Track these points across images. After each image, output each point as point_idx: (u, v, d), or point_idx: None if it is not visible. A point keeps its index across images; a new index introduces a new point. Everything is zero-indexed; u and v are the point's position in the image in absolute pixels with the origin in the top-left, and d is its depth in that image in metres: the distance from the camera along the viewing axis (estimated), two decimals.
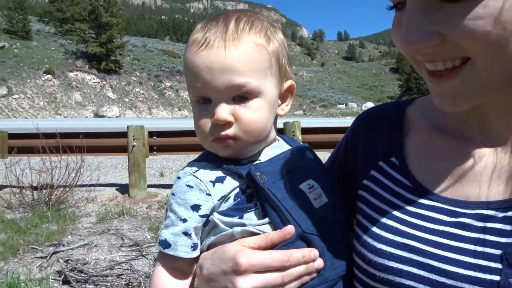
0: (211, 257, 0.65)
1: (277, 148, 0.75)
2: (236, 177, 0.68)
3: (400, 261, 0.58)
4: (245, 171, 0.67)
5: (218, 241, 0.66)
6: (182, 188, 0.68)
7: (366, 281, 0.62)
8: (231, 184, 0.67)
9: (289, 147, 0.77)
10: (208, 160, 0.71)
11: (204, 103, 0.68)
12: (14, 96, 47.18)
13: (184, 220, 0.67)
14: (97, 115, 46.24)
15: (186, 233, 0.67)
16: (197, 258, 0.68)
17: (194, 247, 0.68)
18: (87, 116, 45.38)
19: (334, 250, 0.67)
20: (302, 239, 0.65)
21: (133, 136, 5.66)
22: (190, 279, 0.70)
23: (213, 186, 0.67)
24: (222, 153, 0.70)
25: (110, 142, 5.97)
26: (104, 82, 56.16)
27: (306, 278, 0.64)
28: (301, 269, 0.63)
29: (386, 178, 0.67)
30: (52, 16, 66.96)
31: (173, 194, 0.69)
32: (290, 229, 0.63)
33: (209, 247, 0.68)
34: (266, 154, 0.73)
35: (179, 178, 0.69)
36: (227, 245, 0.64)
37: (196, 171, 0.69)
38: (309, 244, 0.65)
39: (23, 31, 58.62)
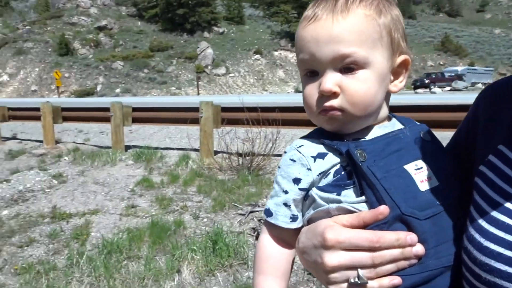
0: (306, 231, 0.66)
1: (386, 127, 0.72)
2: (337, 153, 0.67)
3: (510, 264, 0.51)
4: (345, 148, 0.66)
5: (316, 216, 0.67)
6: (286, 161, 0.71)
7: (471, 280, 0.57)
8: (331, 160, 0.67)
9: (401, 127, 0.72)
10: (314, 136, 0.71)
11: (311, 76, 0.69)
12: (230, 75, 54.32)
13: (286, 192, 0.70)
14: (297, 90, 49.08)
15: (286, 204, 0.70)
16: (299, 230, 0.70)
17: (293, 218, 0.71)
18: (288, 92, 48.66)
19: (439, 238, 0.62)
20: (402, 222, 0.62)
21: None
22: (292, 250, 0.72)
23: (314, 161, 0.68)
24: (327, 127, 0.70)
25: (304, 116, 6.32)
26: None
27: (403, 263, 0.60)
28: (395, 252, 0.59)
29: (505, 165, 0.58)
30: (261, 0, 73.46)
31: (279, 167, 0.72)
32: (383, 209, 0.60)
33: (309, 222, 0.69)
34: (374, 133, 0.70)
35: (285, 152, 0.72)
36: (321, 221, 0.64)
37: (300, 146, 0.70)
38: (409, 228, 0.62)
39: (238, 16, 66.45)
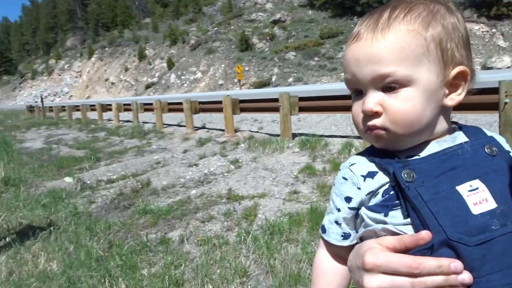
0: (353, 251, 0.66)
1: (445, 142, 0.67)
2: (387, 173, 0.65)
3: None
4: (392, 168, 0.64)
5: (365, 235, 0.67)
6: (339, 179, 0.71)
7: None
8: (380, 179, 0.66)
9: (464, 141, 0.67)
10: (367, 153, 0.70)
11: (357, 94, 0.69)
12: None
13: (338, 210, 0.71)
14: (484, 67, 42.80)
15: (337, 222, 0.72)
16: (353, 246, 0.68)
17: (345, 236, 0.72)
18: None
19: (493, 266, 0.57)
20: (450, 247, 0.58)
21: (506, 92, 5.06)
22: (345, 266, 0.72)
23: (364, 180, 0.67)
24: (376, 144, 0.69)
25: (480, 99, 5.58)
26: (494, 30, 50.81)
27: None
28: (438, 279, 0.56)
29: None
30: None
31: (334, 184, 0.73)
32: (424, 234, 0.56)
33: (361, 239, 0.69)
34: (430, 149, 0.66)
35: (339, 169, 0.72)
36: (366, 241, 0.63)
37: (352, 165, 0.70)
38: (457, 254, 0.57)
39: None
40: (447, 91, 0.67)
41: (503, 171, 0.63)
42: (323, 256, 0.77)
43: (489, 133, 0.70)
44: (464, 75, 0.66)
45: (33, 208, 5.17)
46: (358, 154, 0.72)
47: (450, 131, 0.70)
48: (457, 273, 0.56)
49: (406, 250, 0.58)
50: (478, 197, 0.60)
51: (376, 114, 0.66)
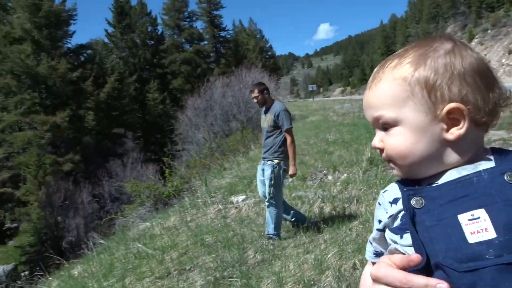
0: None
1: (465, 169, 0.70)
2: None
3: None
4: (403, 195, 0.71)
5: (389, 253, 0.74)
6: (377, 204, 0.81)
7: None
8: (400, 205, 0.72)
9: (488, 167, 0.69)
10: (400, 181, 0.77)
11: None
12: None
13: (372, 231, 0.81)
14: None
15: (370, 242, 0.83)
16: None
17: (377, 254, 0.81)
18: None
19: None
20: (443, 271, 0.62)
21: None
22: None
23: (391, 206, 0.75)
24: (393, 173, 0.78)
25: None
26: None
27: None
28: None
29: None
30: None
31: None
32: (414, 257, 0.64)
33: None
34: (448, 176, 0.70)
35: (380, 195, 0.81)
36: (382, 257, 0.71)
37: (385, 191, 0.78)
38: (449, 278, 0.62)
39: None
40: (445, 126, 0.70)
41: None
42: (367, 270, 0.85)
43: None
44: (457, 111, 0.69)
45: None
46: (396, 181, 0.79)
47: (479, 158, 0.72)
48: None
49: (405, 269, 0.65)
50: (476, 227, 0.62)
51: (381, 149, 0.77)
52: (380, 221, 0.78)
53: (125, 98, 29.85)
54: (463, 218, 0.64)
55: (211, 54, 44.62)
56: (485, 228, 0.62)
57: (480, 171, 0.69)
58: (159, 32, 40.79)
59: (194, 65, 40.70)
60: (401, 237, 0.70)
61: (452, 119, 0.70)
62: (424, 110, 0.70)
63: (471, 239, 0.62)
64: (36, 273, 7.06)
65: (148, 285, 3.93)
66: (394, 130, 0.73)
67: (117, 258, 5.09)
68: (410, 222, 0.67)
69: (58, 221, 16.66)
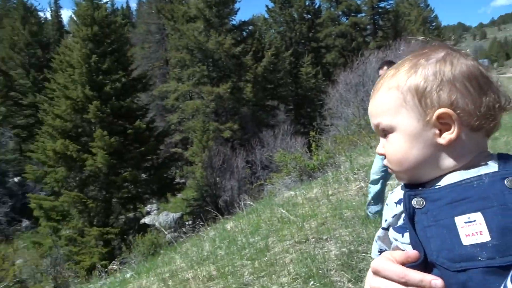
0: None
1: (467, 173, 0.72)
2: None
3: None
4: (404, 196, 0.75)
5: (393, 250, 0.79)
6: (385, 205, 0.84)
7: None
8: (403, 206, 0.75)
9: (487, 172, 0.70)
10: (404, 184, 0.80)
11: None
12: None
13: (379, 230, 0.86)
14: None
15: (376, 240, 0.88)
16: None
17: (381, 252, 0.85)
18: None
19: None
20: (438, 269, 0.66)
21: None
22: None
23: (396, 206, 0.79)
24: (398, 179, 0.82)
25: None
26: None
27: None
28: None
29: None
30: None
31: None
32: (411, 254, 0.68)
33: None
34: (449, 179, 0.73)
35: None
36: (384, 252, 0.76)
37: (392, 193, 0.83)
38: (443, 277, 0.65)
39: None
40: (437, 131, 0.73)
41: None
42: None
43: None
44: (447, 116, 0.71)
45: None
46: (403, 184, 0.82)
47: (482, 162, 0.73)
48: None
49: (404, 264, 0.69)
50: (472, 229, 0.65)
51: (385, 155, 0.81)
52: (386, 220, 0.82)
53: (280, 71, 31.07)
54: (459, 220, 0.66)
55: (368, 27, 42.72)
56: (480, 231, 0.64)
57: (481, 175, 0.70)
58: (316, 6, 40.79)
59: (349, 39, 39.69)
60: (402, 236, 0.74)
61: (443, 124, 0.72)
62: (416, 116, 0.74)
63: (466, 241, 0.65)
64: (197, 222, 8.27)
65: (287, 247, 4.31)
66: (391, 137, 0.78)
67: (263, 220, 5.63)
68: (409, 221, 0.71)
69: (217, 181, 18.79)
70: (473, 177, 0.70)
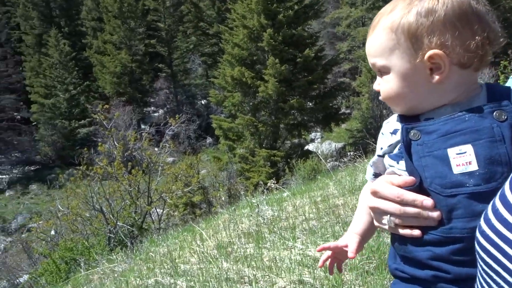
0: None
1: (459, 106, 0.78)
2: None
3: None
4: (400, 128, 0.81)
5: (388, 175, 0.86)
6: (380, 133, 0.89)
7: (484, 245, 0.62)
8: (399, 136, 0.82)
9: (479, 105, 0.76)
10: (399, 114, 0.86)
11: None
12: None
13: (374, 157, 0.92)
14: None
15: (370, 165, 0.95)
16: None
17: (376, 175, 0.93)
18: None
19: (459, 214, 0.73)
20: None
21: None
22: None
23: (391, 136, 0.85)
24: (393, 111, 0.87)
25: None
26: None
27: (422, 221, 0.77)
28: (414, 210, 0.76)
29: None
30: None
31: None
32: (408, 179, 0.78)
33: None
34: (444, 112, 0.78)
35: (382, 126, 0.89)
36: (381, 176, 0.86)
37: (387, 123, 0.88)
38: (435, 201, 0.75)
39: None
40: (428, 71, 0.78)
41: (500, 138, 0.72)
42: (365, 188, 0.98)
43: None
44: (437, 57, 0.75)
45: None
46: (395, 114, 0.88)
47: (474, 94, 0.79)
48: (427, 208, 0.75)
49: (400, 187, 0.78)
50: (462, 160, 0.73)
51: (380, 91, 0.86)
52: (381, 148, 0.88)
53: None
54: (451, 152, 0.74)
55: None
56: (469, 162, 0.73)
57: (473, 108, 0.77)
58: None
59: None
60: (398, 163, 0.82)
61: (434, 63, 0.77)
62: (408, 58, 0.78)
63: (456, 170, 0.74)
64: (356, 153, 8.26)
65: None
66: (386, 76, 0.83)
67: None
68: (405, 151, 0.79)
69: (383, 114, 18.04)
70: (465, 110, 0.77)
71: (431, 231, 0.77)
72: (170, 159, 18.17)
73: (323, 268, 2.53)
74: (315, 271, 2.59)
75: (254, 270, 2.86)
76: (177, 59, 30.44)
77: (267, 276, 2.72)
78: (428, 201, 0.75)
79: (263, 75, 16.68)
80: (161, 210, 9.93)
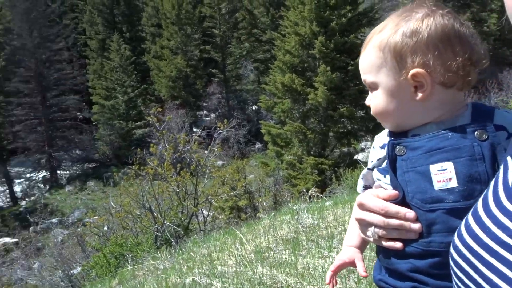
0: None
1: (443, 124, 0.81)
2: None
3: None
4: (387, 144, 0.85)
5: (375, 187, 0.90)
6: (371, 147, 0.95)
7: (457, 260, 0.63)
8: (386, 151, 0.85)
9: (463, 123, 0.79)
10: (389, 130, 0.90)
11: None
12: None
13: (364, 169, 0.96)
14: None
15: (361, 178, 0.99)
16: None
17: (366, 187, 0.97)
18: None
19: (438, 228, 0.76)
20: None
21: None
22: None
23: (380, 150, 0.90)
24: (384, 126, 0.92)
25: None
26: None
27: (404, 233, 0.80)
28: (397, 222, 0.80)
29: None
30: None
31: None
32: (392, 193, 0.81)
33: None
34: (429, 129, 0.82)
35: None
36: (368, 190, 0.90)
37: (378, 137, 0.93)
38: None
39: None
40: (413, 89, 0.81)
41: (480, 157, 0.75)
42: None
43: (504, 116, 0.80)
44: (420, 76, 0.79)
45: None
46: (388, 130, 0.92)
47: (459, 113, 0.82)
48: (410, 220, 0.78)
49: (386, 200, 0.82)
50: (443, 177, 0.76)
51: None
52: (371, 162, 0.93)
53: None
54: (433, 168, 0.78)
55: None
56: (449, 178, 0.76)
57: (456, 126, 0.80)
58: None
59: None
60: (384, 177, 0.86)
61: (418, 82, 0.80)
62: (394, 75, 0.83)
63: (437, 186, 0.77)
64: None
65: None
66: (375, 92, 0.87)
67: None
68: (390, 166, 0.83)
69: None
70: (448, 128, 0.80)
71: (412, 244, 0.80)
72: (220, 163, 18.54)
73: (354, 279, 2.52)
74: (347, 281, 2.57)
75: (287, 277, 2.89)
76: (230, 65, 31.06)
77: (299, 283, 2.74)
78: (410, 213, 0.79)
79: (313, 82, 16.61)
80: (207, 212, 10.16)
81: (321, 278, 2.69)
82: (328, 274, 1.02)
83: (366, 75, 0.88)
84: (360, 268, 0.99)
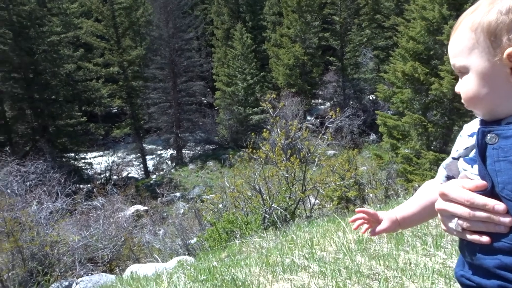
0: None
1: None
2: None
3: None
4: (477, 131, 0.79)
5: (461, 178, 0.84)
6: (459, 135, 0.89)
7: None
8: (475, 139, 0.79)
9: None
10: (480, 119, 0.83)
11: None
12: None
13: (448, 158, 0.91)
14: None
15: (444, 167, 0.93)
16: None
17: (448, 178, 0.92)
18: None
19: None
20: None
21: None
22: None
23: (468, 138, 0.84)
24: (476, 115, 0.84)
25: None
26: None
27: (492, 227, 0.73)
28: (484, 214, 0.74)
29: None
30: None
31: None
32: (480, 183, 0.75)
33: None
34: None
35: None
36: (452, 180, 0.85)
37: (467, 125, 0.87)
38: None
39: None
40: (508, 70, 0.74)
41: None
42: (427, 183, 1.03)
43: None
44: None
45: None
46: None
47: None
48: (499, 213, 0.72)
49: (472, 191, 0.76)
50: None
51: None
52: (457, 151, 0.88)
53: None
54: None
55: None
56: None
57: None
58: None
59: None
60: (472, 167, 0.81)
61: None
62: (487, 56, 0.76)
63: None
64: None
65: None
66: (465, 77, 0.81)
67: None
68: (479, 154, 0.77)
69: None
70: None
71: (502, 239, 0.74)
72: (331, 152, 18.37)
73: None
74: (452, 282, 2.42)
75: (386, 269, 2.82)
76: (348, 52, 30.24)
77: (398, 278, 2.66)
78: (500, 205, 0.72)
79: (438, 71, 15.30)
80: (314, 200, 10.23)
81: (422, 276, 2.58)
82: (357, 211, 1.09)
83: (456, 58, 0.82)
84: (378, 228, 1.06)
